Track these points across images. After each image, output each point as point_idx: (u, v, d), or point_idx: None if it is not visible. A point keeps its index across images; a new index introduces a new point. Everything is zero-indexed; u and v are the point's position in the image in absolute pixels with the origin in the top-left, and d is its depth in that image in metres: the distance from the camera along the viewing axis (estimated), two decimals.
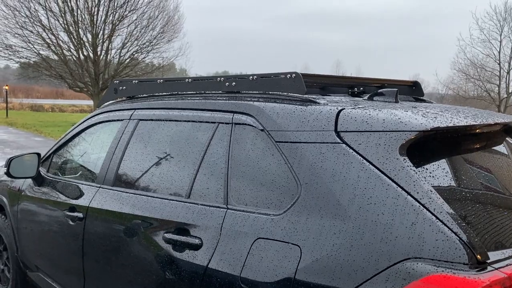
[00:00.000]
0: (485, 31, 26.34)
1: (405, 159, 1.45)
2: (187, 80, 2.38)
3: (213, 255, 1.74)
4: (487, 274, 1.22)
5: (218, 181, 1.91)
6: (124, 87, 2.76)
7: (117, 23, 21.42)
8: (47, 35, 20.57)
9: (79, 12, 20.76)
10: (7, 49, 20.39)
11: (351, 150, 1.54)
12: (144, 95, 2.67)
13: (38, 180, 3.09)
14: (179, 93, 2.45)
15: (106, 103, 2.90)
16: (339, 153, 1.56)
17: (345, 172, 1.51)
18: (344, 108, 1.67)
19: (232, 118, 1.96)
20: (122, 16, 21.37)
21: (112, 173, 2.46)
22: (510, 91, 27.15)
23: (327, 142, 1.60)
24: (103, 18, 21.15)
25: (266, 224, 1.64)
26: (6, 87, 26.84)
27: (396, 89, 2.03)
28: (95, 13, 21.02)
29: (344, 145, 1.56)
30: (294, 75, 1.90)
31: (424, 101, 2.50)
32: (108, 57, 21.95)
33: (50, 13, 20.44)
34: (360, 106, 1.72)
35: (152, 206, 2.11)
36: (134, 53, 22.10)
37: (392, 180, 1.42)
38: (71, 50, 21.37)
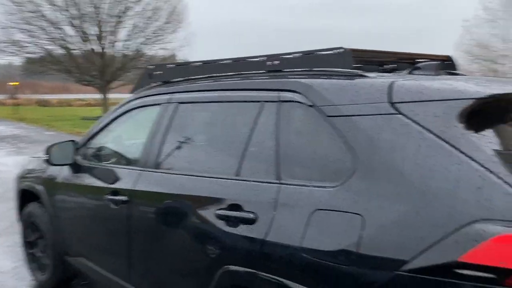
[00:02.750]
0: (490, 10, 26.10)
1: (464, 125, 1.48)
2: (226, 61, 2.41)
3: (271, 226, 1.79)
4: None
5: (268, 158, 1.95)
6: (160, 72, 2.80)
7: (122, 15, 21.39)
8: (52, 29, 20.59)
9: (83, 5, 20.73)
10: (14, 45, 20.44)
11: (408, 120, 1.57)
12: (180, 79, 2.70)
13: (75, 167, 3.14)
14: (215, 75, 2.48)
15: (140, 89, 2.94)
16: (396, 124, 1.59)
17: (404, 142, 1.54)
18: (397, 80, 1.69)
19: (279, 96, 1.99)
20: (127, 8, 21.34)
21: (154, 156, 2.50)
22: None
23: (383, 114, 1.63)
24: (108, 11, 21.12)
25: (324, 196, 1.68)
26: (15, 83, 26.96)
27: (437, 62, 2.05)
28: (99, 5, 21.00)
29: (400, 116, 1.59)
30: (341, 50, 1.93)
31: (459, 74, 2.51)
32: (114, 49, 21.96)
33: (54, 7, 20.44)
34: (409, 78, 1.75)
35: (201, 185, 2.16)
36: (139, 44, 22.10)
37: (454, 147, 1.45)
38: (77, 43, 21.41)
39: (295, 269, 1.68)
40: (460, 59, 26.21)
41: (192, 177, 2.24)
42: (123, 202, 2.58)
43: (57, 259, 3.48)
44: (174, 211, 2.28)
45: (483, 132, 1.53)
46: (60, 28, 20.70)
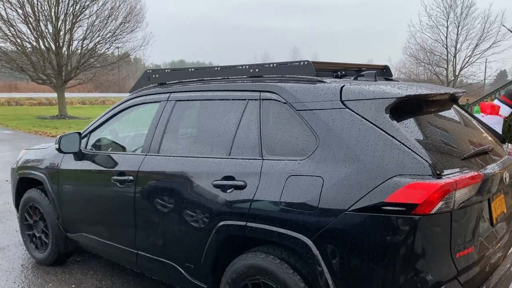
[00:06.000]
0: (433, 17, 28.06)
1: (389, 116, 2.23)
2: (216, 68, 3.07)
3: (257, 190, 2.47)
4: (443, 180, 2.02)
5: (253, 141, 2.62)
6: (157, 75, 3.41)
7: (78, 14, 21.32)
8: (4, 27, 20.21)
9: (38, 3, 20.50)
10: None
11: (353, 112, 2.30)
12: (175, 81, 3.33)
13: (79, 155, 3.68)
14: (206, 79, 3.13)
15: (138, 89, 3.53)
16: (345, 115, 2.31)
17: (350, 126, 2.27)
18: (345, 85, 2.42)
19: (260, 95, 2.68)
20: (83, 7, 21.29)
21: (157, 143, 3.11)
22: (457, 74, 29.08)
23: (336, 108, 2.35)
24: (63, 9, 21.00)
25: (295, 166, 2.38)
26: None
27: (375, 71, 2.81)
28: (55, 4, 20.82)
29: (348, 110, 2.32)
30: (306, 62, 2.64)
31: (392, 80, 3.30)
32: (71, 48, 21.82)
33: (7, 4, 20.09)
34: (354, 83, 2.48)
35: (199, 164, 2.80)
36: (96, 44, 22.09)
37: (382, 130, 2.19)
38: (31, 42, 21.11)
39: (275, 217, 2.37)
40: (407, 63, 27.83)
41: (191, 158, 2.88)
42: (129, 181, 3.17)
43: (58, 236, 3.99)
44: (176, 185, 2.90)
45: (401, 120, 2.29)
46: (13, 26, 20.35)
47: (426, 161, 2.06)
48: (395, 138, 2.15)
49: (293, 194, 2.34)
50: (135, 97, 3.48)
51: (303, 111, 2.46)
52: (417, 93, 2.36)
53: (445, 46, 28.64)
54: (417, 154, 2.08)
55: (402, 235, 2.04)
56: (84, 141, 3.75)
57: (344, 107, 2.34)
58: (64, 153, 3.63)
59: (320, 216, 2.22)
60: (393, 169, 2.08)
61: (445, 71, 29.41)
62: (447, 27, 28.22)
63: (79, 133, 3.67)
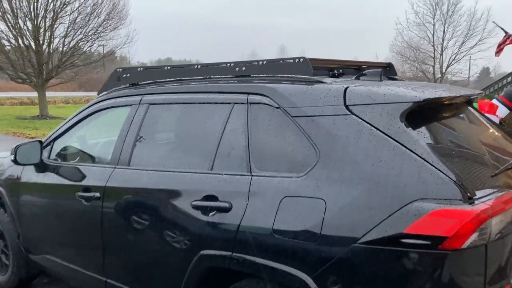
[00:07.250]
0: (419, 14, 28.00)
1: (405, 124, 1.82)
2: (195, 66, 2.63)
3: (244, 213, 2.04)
4: (477, 206, 1.62)
5: (239, 153, 2.19)
6: (128, 75, 2.95)
7: (59, 11, 20.60)
8: None
9: None
10: None
11: (360, 120, 1.88)
12: (149, 81, 2.88)
13: (41, 166, 3.21)
14: (185, 79, 2.69)
15: (108, 91, 3.07)
16: (350, 123, 1.90)
17: (357, 137, 1.86)
18: (349, 86, 2.01)
19: (247, 98, 2.25)
20: (64, 3, 20.58)
21: (127, 154, 2.66)
22: (443, 71, 29.02)
23: (339, 114, 1.94)
24: (43, 6, 20.27)
25: (291, 185, 1.96)
26: None
27: (381, 70, 2.40)
28: (34, 0, 20.08)
29: (354, 116, 1.90)
30: (302, 59, 2.22)
31: (397, 79, 2.90)
32: (52, 46, 21.09)
33: None
34: (359, 84, 2.07)
35: (175, 180, 2.36)
36: (79, 41, 21.39)
37: (397, 141, 1.78)
38: (10, 39, 20.36)
39: (267, 248, 1.95)
40: (393, 61, 27.82)
41: (166, 172, 2.44)
42: (96, 198, 2.72)
43: (18, 257, 3.51)
44: (149, 204, 2.46)
45: (419, 129, 1.89)
46: None
47: (454, 181, 1.65)
48: (414, 152, 1.74)
49: (289, 220, 1.91)
50: (104, 100, 3.02)
51: (299, 118, 2.04)
52: (438, 96, 1.96)
53: (432, 44, 28.58)
54: (442, 173, 1.67)
55: (425, 275, 1.63)
56: (47, 149, 3.28)
57: (349, 113, 1.92)
58: (22, 165, 3.16)
59: (322, 249, 1.81)
60: (414, 192, 1.68)
61: (431, 68, 29.34)
62: (433, 25, 28.20)
63: (41, 142, 3.20)
